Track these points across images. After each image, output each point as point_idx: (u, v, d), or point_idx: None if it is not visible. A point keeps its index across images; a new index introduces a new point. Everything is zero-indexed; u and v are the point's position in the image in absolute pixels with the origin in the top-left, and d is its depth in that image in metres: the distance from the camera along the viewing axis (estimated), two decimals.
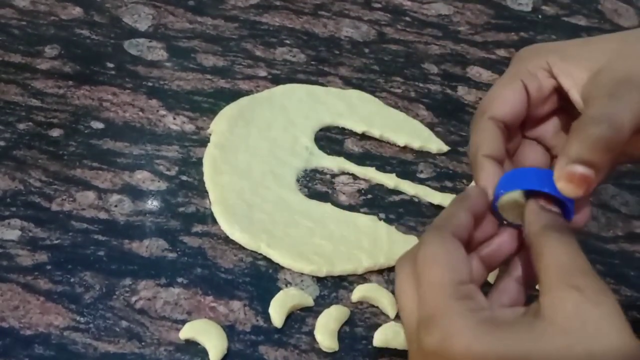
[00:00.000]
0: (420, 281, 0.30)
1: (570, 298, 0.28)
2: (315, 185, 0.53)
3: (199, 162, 0.53)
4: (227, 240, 0.48)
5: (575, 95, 0.36)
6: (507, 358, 0.28)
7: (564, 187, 0.32)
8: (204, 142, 0.54)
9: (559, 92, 0.38)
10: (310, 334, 0.44)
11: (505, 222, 0.36)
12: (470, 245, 0.34)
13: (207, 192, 0.51)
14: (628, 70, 0.34)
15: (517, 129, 0.39)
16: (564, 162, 0.32)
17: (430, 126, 0.57)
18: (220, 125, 0.54)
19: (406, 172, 0.54)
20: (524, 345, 0.28)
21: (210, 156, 0.53)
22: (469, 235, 0.32)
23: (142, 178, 0.51)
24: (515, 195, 0.34)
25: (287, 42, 0.63)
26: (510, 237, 0.35)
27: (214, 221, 0.49)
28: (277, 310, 0.45)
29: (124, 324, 0.44)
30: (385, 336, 0.44)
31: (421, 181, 0.54)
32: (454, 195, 0.52)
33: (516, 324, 0.29)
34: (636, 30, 0.38)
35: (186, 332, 0.43)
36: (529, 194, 0.34)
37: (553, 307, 0.28)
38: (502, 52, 0.65)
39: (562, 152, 0.32)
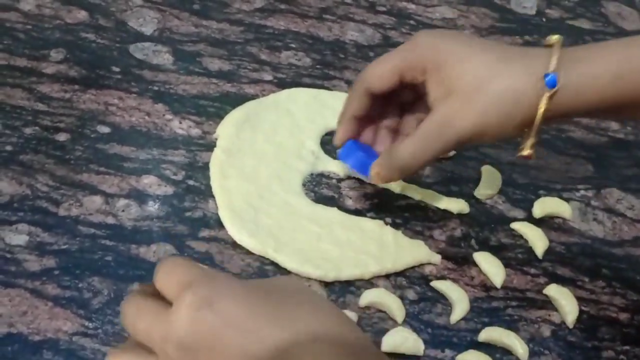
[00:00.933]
0: None
1: None
2: (322, 190, 0.53)
3: (205, 167, 0.53)
4: (235, 245, 0.49)
5: (428, 103, 0.46)
6: None
7: (372, 179, 0.47)
8: (210, 146, 0.54)
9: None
10: None
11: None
12: None
13: (214, 197, 0.51)
14: (453, 114, 0.43)
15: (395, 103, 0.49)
16: (373, 170, 0.46)
17: None
18: (226, 130, 0.55)
19: (412, 176, 0.54)
20: None
21: (216, 160, 0.53)
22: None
23: (148, 183, 0.51)
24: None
25: (293, 45, 0.63)
26: None
27: (221, 226, 0.49)
28: None
29: None
30: (394, 341, 0.44)
31: (427, 185, 0.54)
32: (460, 200, 0.53)
33: None
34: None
35: None
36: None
37: None
38: None
39: (379, 160, 0.46)
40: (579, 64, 0.43)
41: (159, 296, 0.34)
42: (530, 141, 0.44)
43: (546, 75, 0.42)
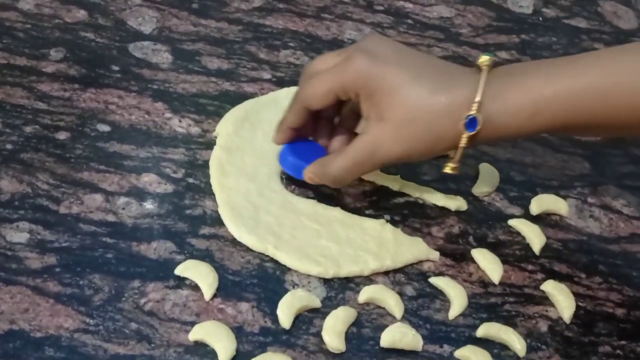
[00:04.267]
0: None
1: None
2: (321, 188, 0.53)
3: (205, 165, 0.53)
4: (235, 243, 0.49)
5: (362, 112, 0.48)
6: None
7: (306, 178, 0.50)
8: (209, 144, 0.54)
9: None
10: (318, 335, 0.45)
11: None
12: None
13: (214, 195, 0.51)
14: (383, 140, 0.46)
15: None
16: (306, 175, 0.50)
17: None
18: (225, 128, 0.55)
19: (410, 174, 0.55)
20: None
21: (216, 159, 0.53)
22: None
23: (148, 181, 0.52)
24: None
25: (291, 44, 0.63)
26: None
27: (221, 223, 0.50)
28: (285, 312, 0.45)
29: (134, 325, 0.44)
30: (393, 337, 0.45)
31: (425, 183, 0.54)
32: (458, 197, 0.53)
33: None
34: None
35: (195, 334, 0.44)
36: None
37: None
38: (503, 54, 0.66)
39: (312, 168, 0.50)
40: (500, 100, 0.45)
41: None
42: (453, 163, 0.48)
43: (468, 116, 0.44)
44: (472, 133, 0.45)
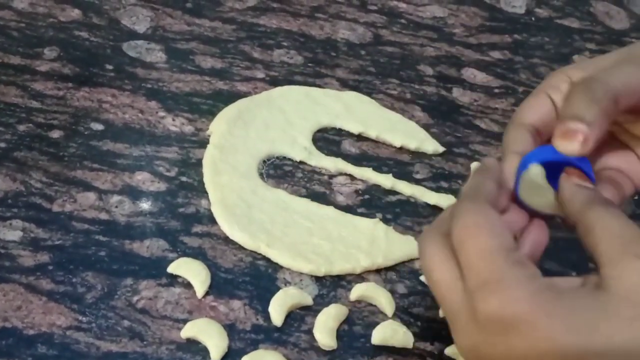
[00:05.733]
0: (464, 250, 0.29)
1: (636, 268, 0.27)
2: (313, 186, 0.53)
3: (198, 163, 0.53)
4: (227, 240, 0.49)
5: None
6: (574, 327, 0.27)
7: (561, 145, 0.33)
8: (203, 143, 0.54)
9: None
10: (310, 332, 0.45)
11: (531, 209, 0.35)
12: None
13: (207, 193, 0.51)
14: (630, 53, 0.35)
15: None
16: (559, 123, 0.33)
17: (426, 127, 0.58)
18: (219, 127, 0.55)
19: (402, 172, 0.55)
20: (591, 315, 0.27)
21: (209, 157, 0.53)
22: (499, 203, 0.31)
23: (142, 179, 0.52)
24: (537, 176, 0.34)
25: (284, 44, 0.63)
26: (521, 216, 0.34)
27: (214, 221, 0.50)
28: (277, 309, 0.45)
29: (126, 323, 0.44)
30: (384, 334, 0.45)
31: (417, 182, 0.55)
32: (450, 196, 0.53)
33: (579, 294, 0.28)
34: None
35: (187, 331, 0.44)
36: (550, 177, 0.35)
37: (617, 278, 0.27)
38: (496, 54, 0.66)
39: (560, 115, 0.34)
40: None
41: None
42: None
43: None
44: None
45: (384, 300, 0.47)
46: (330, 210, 0.51)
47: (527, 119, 0.37)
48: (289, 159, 0.55)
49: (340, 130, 0.57)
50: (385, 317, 0.47)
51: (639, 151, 0.38)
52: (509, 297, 0.28)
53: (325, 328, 0.45)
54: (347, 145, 0.56)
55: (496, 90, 0.63)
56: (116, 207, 0.50)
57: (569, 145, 0.33)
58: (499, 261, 0.28)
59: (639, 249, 0.28)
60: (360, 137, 0.57)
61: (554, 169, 0.34)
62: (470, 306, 0.29)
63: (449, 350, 0.45)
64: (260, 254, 0.49)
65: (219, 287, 0.47)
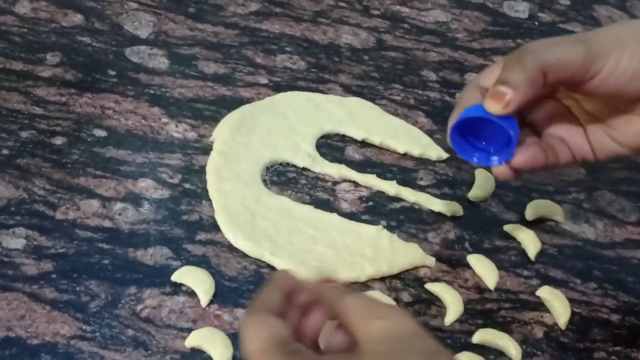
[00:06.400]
0: (249, 351, 0.33)
1: (376, 325, 0.32)
2: (317, 193, 0.53)
3: (201, 170, 0.53)
4: (231, 248, 0.49)
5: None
6: None
7: (488, 104, 0.39)
8: (206, 149, 0.54)
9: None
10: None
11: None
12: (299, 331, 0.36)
13: (211, 200, 0.51)
14: (581, 34, 0.40)
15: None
16: (492, 85, 0.39)
17: (430, 133, 0.58)
18: (222, 133, 0.55)
19: (406, 179, 0.55)
20: None
21: (213, 164, 0.53)
22: (284, 309, 0.35)
23: (145, 186, 0.52)
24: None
25: (287, 49, 0.63)
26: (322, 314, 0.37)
27: (218, 229, 0.50)
28: None
29: (130, 332, 0.44)
30: None
31: (421, 188, 0.54)
32: (454, 202, 0.53)
33: (340, 358, 0.33)
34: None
35: (192, 341, 0.44)
36: (481, 127, 0.40)
37: (365, 336, 0.32)
38: (499, 59, 0.66)
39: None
40: None
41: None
42: None
43: None
44: None
45: None
46: (334, 217, 0.51)
47: (482, 82, 0.41)
48: (293, 166, 0.54)
49: (343, 136, 0.57)
50: None
51: (587, 127, 0.42)
52: None
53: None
54: (351, 152, 0.56)
55: None
56: (119, 214, 0.50)
57: (494, 106, 0.38)
58: (275, 354, 0.32)
59: (379, 313, 0.33)
60: (363, 143, 0.57)
61: (485, 121, 0.39)
62: None
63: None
64: (264, 262, 0.48)
65: (223, 295, 0.47)
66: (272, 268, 0.48)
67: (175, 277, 0.47)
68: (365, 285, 0.48)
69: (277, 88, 0.59)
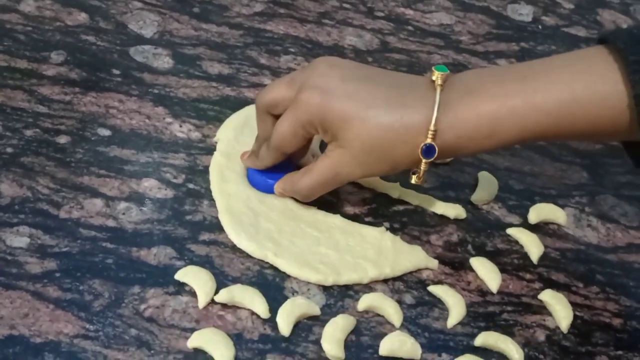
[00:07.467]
0: None
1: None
2: (322, 195, 0.53)
3: (205, 170, 0.53)
4: (234, 249, 0.49)
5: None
6: None
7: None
8: (210, 150, 0.54)
9: None
10: (317, 342, 0.45)
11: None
12: None
13: (214, 200, 0.51)
14: (344, 164, 0.48)
15: None
16: (277, 190, 0.52)
17: None
18: (226, 134, 0.55)
19: (410, 181, 0.55)
20: None
21: (216, 164, 0.53)
22: None
23: (149, 186, 0.52)
24: None
25: (292, 50, 0.63)
26: None
27: (221, 229, 0.50)
28: (285, 319, 0.45)
29: (133, 332, 0.44)
30: (392, 345, 0.45)
31: (425, 191, 0.55)
32: (457, 205, 0.53)
33: None
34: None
35: (194, 341, 0.44)
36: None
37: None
38: (503, 62, 0.66)
39: (282, 184, 0.51)
40: (456, 126, 0.45)
41: None
42: (417, 177, 0.48)
43: (424, 145, 0.45)
44: (430, 160, 0.46)
45: (392, 311, 0.47)
46: (337, 219, 0.51)
47: (288, 150, 0.49)
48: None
49: None
50: (392, 327, 0.47)
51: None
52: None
53: (333, 339, 0.45)
54: None
55: None
56: (123, 214, 0.50)
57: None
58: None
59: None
60: None
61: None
62: None
63: None
64: (267, 263, 0.49)
65: None
66: (275, 269, 0.48)
67: (179, 276, 0.47)
68: (368, 287, 0.48)
69: None
